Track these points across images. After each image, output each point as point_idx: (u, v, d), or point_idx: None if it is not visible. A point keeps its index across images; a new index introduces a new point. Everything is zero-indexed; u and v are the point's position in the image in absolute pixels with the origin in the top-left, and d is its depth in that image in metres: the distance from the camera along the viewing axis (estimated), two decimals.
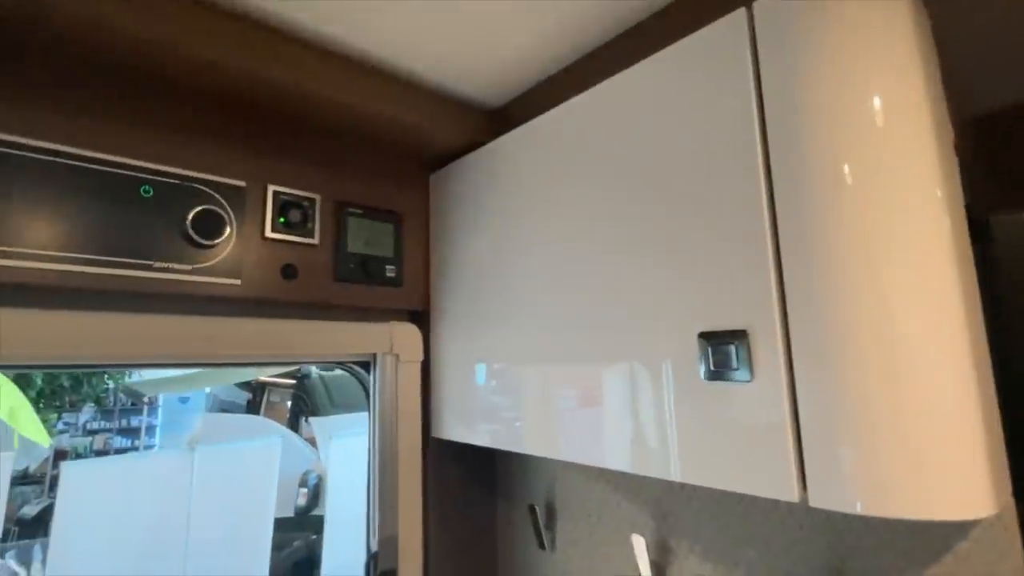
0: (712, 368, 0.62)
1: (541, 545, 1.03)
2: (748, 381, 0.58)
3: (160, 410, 8.05)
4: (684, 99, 0.68)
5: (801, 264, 0.55)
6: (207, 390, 8.00)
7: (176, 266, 0.82)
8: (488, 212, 0.98)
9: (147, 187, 0.81)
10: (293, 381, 7.12)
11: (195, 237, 0.83)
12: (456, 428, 1.01)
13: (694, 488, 0.81)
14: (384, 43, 0.89)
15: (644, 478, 0.89)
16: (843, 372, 0.52)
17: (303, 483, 4.32)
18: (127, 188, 0.79)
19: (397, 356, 1.05)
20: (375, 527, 0.99)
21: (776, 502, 0.72)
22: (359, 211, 1.03)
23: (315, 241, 0.96)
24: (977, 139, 0.96)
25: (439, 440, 1.07)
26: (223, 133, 0.89)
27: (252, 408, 7.28)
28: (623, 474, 0.92)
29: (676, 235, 0.67)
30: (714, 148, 0.64)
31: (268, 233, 0.91)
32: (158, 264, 0.80)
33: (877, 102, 0.54)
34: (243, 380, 7.01)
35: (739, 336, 0.59)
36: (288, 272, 0.93)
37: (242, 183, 0.89)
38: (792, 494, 0.55)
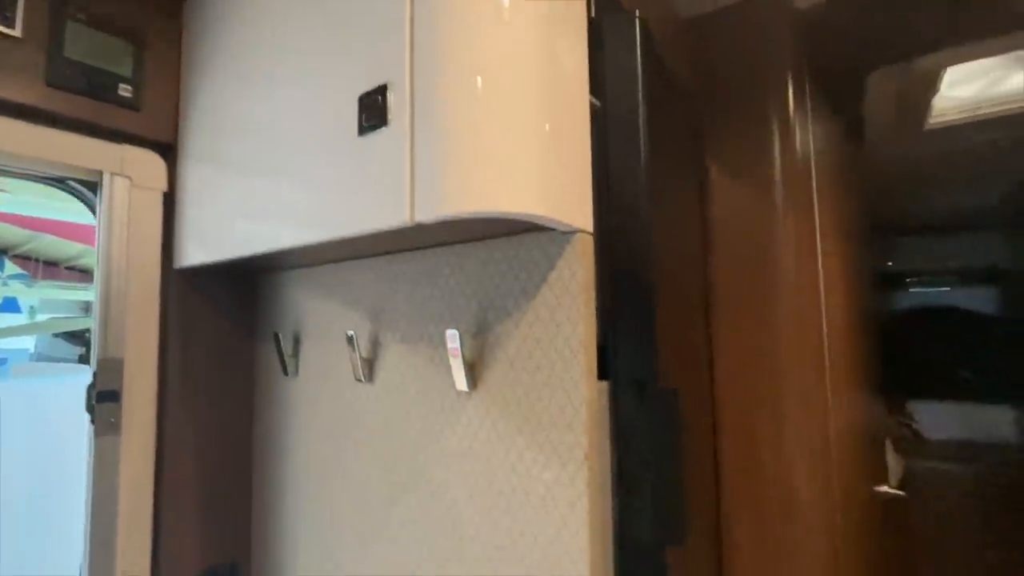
0: (364, 124, 0.68)
1: (284, 371, 1.07)
2: (385, 127, 0.66)
3: None
4: None
5: (424, 40, 0.64)
6: (30, 349, 6.93)
7: None
8: (232, 42, 0.97)
9: None
10: None
11: None
12: (198, 252, 1.00)
13: (398, 286, 0.89)
14: None
15: (363, 287, 0.95)
16: (442, 116, 0.62)
17: None
18: None
19: (129, 179, 1.00)
20: (95, 349, 0.96)
21: (448, 290, 0.82)
22: (83, 17, 0.95)
23: (16, 34, 0.88)
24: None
25: (188, 271, 1.05)
26: None
27: (87, 363, 6.46)
28: (350, 288, 0.98)
29: (350, 31, 0.73)
30: None
31: None
32: None
33: None
34: (64, 330, 6.18)
35: (382, 91, 0.66)
36: None
37: None
38: (405, 217, 0.63)
